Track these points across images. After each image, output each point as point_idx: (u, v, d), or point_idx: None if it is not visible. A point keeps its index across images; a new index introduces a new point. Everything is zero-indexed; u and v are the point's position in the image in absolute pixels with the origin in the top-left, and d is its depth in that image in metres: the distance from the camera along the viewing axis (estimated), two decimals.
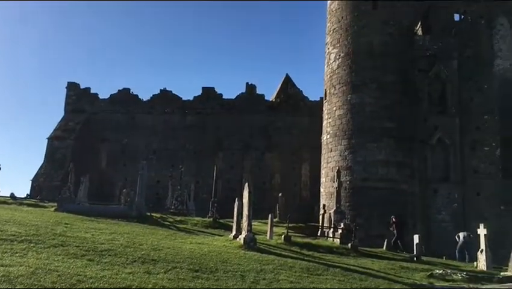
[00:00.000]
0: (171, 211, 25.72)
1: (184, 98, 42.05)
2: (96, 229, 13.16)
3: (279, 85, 47.31)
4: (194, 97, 41.77)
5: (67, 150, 39.83)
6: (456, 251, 20.32)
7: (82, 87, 43.05)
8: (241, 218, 14.64)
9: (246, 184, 14.62)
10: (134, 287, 6.86)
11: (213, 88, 41.84)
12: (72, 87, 42.75)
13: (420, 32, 28.68)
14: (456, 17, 27.99)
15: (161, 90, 42.29)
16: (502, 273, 14.63)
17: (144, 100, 42.18)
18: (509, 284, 12.96)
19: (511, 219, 24.75)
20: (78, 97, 42.29)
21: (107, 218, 16.40)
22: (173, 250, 10.73)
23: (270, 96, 46.83)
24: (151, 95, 42.30)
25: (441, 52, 26.58)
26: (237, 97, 41.50)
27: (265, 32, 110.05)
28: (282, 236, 16.30)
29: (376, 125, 25.23)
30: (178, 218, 20.42)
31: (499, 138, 25.92)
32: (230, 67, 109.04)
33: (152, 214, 19.15)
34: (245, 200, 14.06)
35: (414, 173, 25.16)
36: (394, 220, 21.02)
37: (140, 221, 16.91)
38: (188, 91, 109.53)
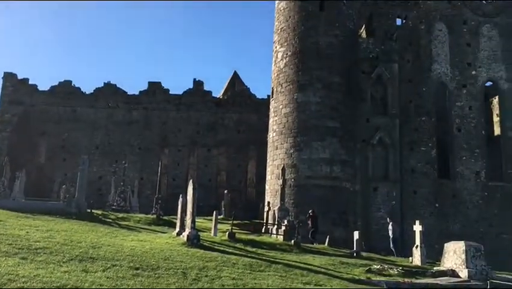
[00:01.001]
0: (114, 207, 25.12)
1: (130, 92, 41.10)
2: (31, 226, 12.62)
3: (227, 82, 47.34)
4: (140, 91, 40.92)
5: (2, 144, 37.93)
6: (392, 246, 21.05)
7: (19, 77, 41.02)
8: (185, 215, 14.52)
9: (191, 181, 14.51)
10: (69, 286, 6.63)
11: (160, 83, 41.16)
12: (9, 77, 40.63)
13: (364, 35, 29.59)
14: (398, 21, 29.05)
15: (105, 83, 41.11)
16: (435, 268, 15.35)
17: (87, 93, 40.81)
18: (441, 278, 13.62)
19: (444, 216, 26.08)
20: (15, 88, 40.24)
21: (44, 215, 15.76)
22: (113, 248, 10.47)
23: (218, 92, 46.77)
24: (94, 88, 41.02)
25: (384, 55, 27.53)
26: (184, 92, 41.04)
27: (213, 28, 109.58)
28: (227, 233, 16.31)
29: (321, 124, 25.75)
30: (120, 215, 19.96)
31: (435, 139, 27.20)
32: (178, 63, 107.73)
33: (93, 211, 18.59)
34: (189, 196, 13.95)
35: (356, 172, 25.93)
36: (311, 214, 21.61)
37: (80, 218, 16.37)
38: (134, 85, 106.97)
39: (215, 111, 40.59)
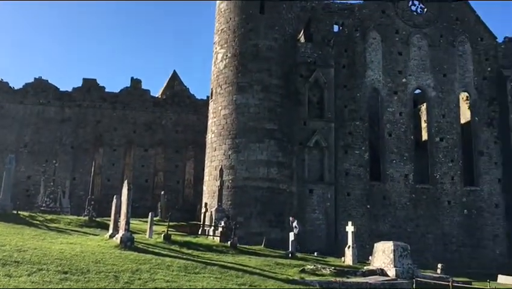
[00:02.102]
0: (43, 209, 23.97)
1: (62, 88, 39.40)
2: None
3: (166, 82, 46.58)
4: (74, 88, 39.35)
5: None
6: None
7: None
8: (120, 216, 14.14)
9: (126, 181, 14.16)
10: None
11: (95, 80, 39.78)
12: None
13: (302, 39, 30.24)
14: (335, 28, 29.94)
15: (35, 78, 39.11)
16: (365, 267, 15.97)
17: (16, 88, 38.68)
18: (370, 277, 14.19)
19: (375, 217, 27.17)
20: None
21: None
22: (40, 251, 10.00)
23: (156, 92, 45.95)
24: (24, 83, 38.95)
25: (321, 60, 28.28)
26: (120, 91, 39.92)
27: (153, 27, 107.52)
28: (162, 235, 16.06)
29: (260, 126, 25.99)
30: (49, 217, 19.05)
31: (367, 142, 28.28)
32: (115, 60, 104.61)
33: (19, 212, 17.64)
34: (124, 197, 13.61)
35: (293, 174, 26.41)
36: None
37: (4, 220, 15.48)
38: (67, 81, 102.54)
39: (153, 110, 39.83)
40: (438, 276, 16.87)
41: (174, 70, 47.51)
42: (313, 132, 27.12)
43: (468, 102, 29.98)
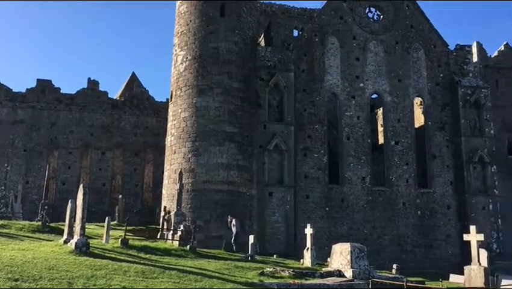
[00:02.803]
0: None
1: (15, 89, 38.04)
2: None
3: (125, 83, 45.81)
4: (27, 89, 38.04)
5: None
6: (233, 241, 21.34)
7: None
8: (75, 221, 13.77)
9: (81, 185, 13.82)
10: None
11: (50, 81, 38.62)
12: None
13: (262, 43, 30.44)
14: (295, 32, 30.29)
15: None
16: (323, 269, 16.20)
17: None
18: (328, 278, 14.40)
19: (333, 219, 27.61)
20: None
21: None
22: None
23: (115, 93, 45.08)
24: None
25: (281, 64, 28.55)
26: (77, 92, 38.93)
27: (112, 27, 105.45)
28: (119, 239, 15.76)
29: (220, 129, 25.93)
30: (0, 222, 18.34)
31: (326, 146, 28.73)
32: (71, 61, 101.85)
33: None
34: (79, 201, 13.27)
35: (253, 177, 26.48)
36: (169, 214, 21.82)
37: None
38: (20, 82, 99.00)
39: (111, 112, 39.05)
40: (393, 276, 17.32)
41: (133, 72, 46.87)
42: (273, 136, 27.31)
43: (422, 106, 30.99)
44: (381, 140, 31.32)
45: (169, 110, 28.14)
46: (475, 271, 15.18)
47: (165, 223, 22.51)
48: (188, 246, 17.27)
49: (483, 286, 14.46)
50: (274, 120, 27.96)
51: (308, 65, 29.34)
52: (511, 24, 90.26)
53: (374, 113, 32.92)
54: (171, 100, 28.02)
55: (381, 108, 31.22)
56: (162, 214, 24.51)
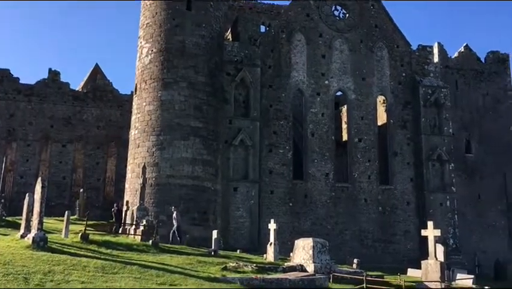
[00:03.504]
0: None
1: None
2: None
3: (88, 75, 44.76)
4: None
5: None
6: (174, 234, 21.05)
7: None
8: (32, 215, 13.39)
9: (40, 178, 13.44)
10: None
11: (8, 70, 37.27)
12: None
13: (229, 38, 30.33)
14: (262, 28, 30.33)
15: None
16: (286, 263, 16.36)
17: None
18: (290, 273, 14.55)
19: (297, 215, 27.90)
20: None
21: None
22: None
23: (77, 85, 43.98)
24: None
25: (247, 59, 28.54)
26: (37, 82, 37.73)
27: (75, 18, 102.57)
28: (79, 234, 15.43)
29: (185, 123, 25.71)
30: None
31: (291, 142, 28.97)
32: (31, 51, 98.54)
33: None
34: (37, 195, 12.91)
35: (218, 172, 26.42)
36: (117, 207, 21.06)
37: None
38: None
39: (73, 104, 38.07)
40: (353, 270, 17.67)
41: (96, 63, 45.74)
42: (238, 131, 27.31)
43: (384, 105, 31.65)
44: (345, 137, 31.82)
45: (133, 103, 27.70)
46: (432, 265, 15.68)
47: (127, 218, 22.17)
48: (150, 241, 17.08)
49: (439, 280, 14.95)
50: (240, 116, 27.96)
51: (274, 61, 29.45)
52: (471, 26, 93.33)
53: (338, 110, 33.40)
54: (135, 93, 27.58)
55: (345, 106, 31.69)
56: (124, 208, 24.16)
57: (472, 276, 19.67)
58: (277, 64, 29.47)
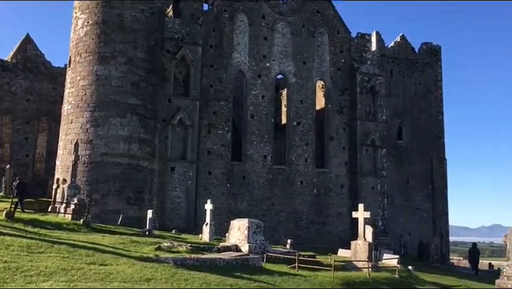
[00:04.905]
0: None
1: None
2: None
3: (17, 45, 42.07)
4: None
5: None
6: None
7: None
8: None
9: None
10: None
11: None
12: None
13: (171, 14, 29.52)
14: (205, 6, 29.78)
15: None
16: (221, 244, 16.45)
17: None
18: (225, 253, 14.66)
19: (234, 196, 28.05)
20: None
21: None
22: None
23: (5, 55, 41.30)
24: None
25: (188, 37, 27.98)
26: None
27: None
28: (4, 212, 14.67)
29: (121, 100, 24.91)
30: None
31: (230, 123, 28.93)
32: None
33: None
34: None
35: (155, 151, 25.92)
36: (16, 184, 19.49)
37: None
38: None
39: (1, 75, 35.75)
40: (286, 250, 18.08)
41: (27, 33, 43.04)
42: (177, 110, 26.88)
43: (323, 90, 32.29)
44: (284, 120, 32.21)
45: (67, 77, 26.44)
46: (360, 245, 16.38)
47: (57, 196, 21.29)
48: (81, 220, 16.55)
49: (367, 259, 15.64)
50: (180, 94, 27.51)
51: (216, 41, 29.10)
52: (408, 16, 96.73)
53: (278, 93, 33.67)
54: (69, 66, 26.32)
55: (286, 89, 32.00)
56: (54, 186, 23.18)
57: (397, 256, 20.72)
58: (219, 44, 29.15)
